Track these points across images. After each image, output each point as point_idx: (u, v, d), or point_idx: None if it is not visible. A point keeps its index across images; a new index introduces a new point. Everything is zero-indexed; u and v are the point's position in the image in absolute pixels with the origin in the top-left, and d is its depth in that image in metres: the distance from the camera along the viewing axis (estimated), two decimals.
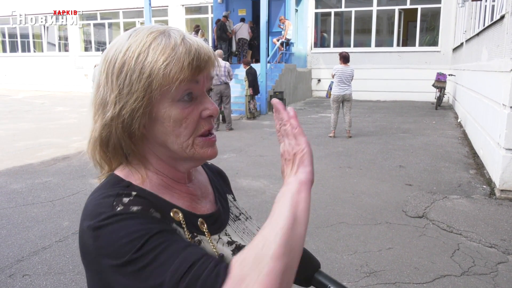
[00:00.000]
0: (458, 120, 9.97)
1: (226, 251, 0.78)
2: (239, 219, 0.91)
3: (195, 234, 0.76)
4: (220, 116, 9.74)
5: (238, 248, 0.80)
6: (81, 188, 5.04)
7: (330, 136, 8.22)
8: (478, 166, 5.94)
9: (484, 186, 5.03)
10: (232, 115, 9.69)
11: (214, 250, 0.76)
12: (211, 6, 16.80)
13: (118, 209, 0.67)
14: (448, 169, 5.80)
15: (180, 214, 0.75)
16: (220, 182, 0.97)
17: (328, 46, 16.79)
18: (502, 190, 4.65)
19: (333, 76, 8.15)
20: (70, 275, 2.99)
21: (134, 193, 0.71)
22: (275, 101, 0.72)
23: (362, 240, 3.58)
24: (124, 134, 0.72)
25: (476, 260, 3.21)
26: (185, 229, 0.74)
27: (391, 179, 5.35)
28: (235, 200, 0.97)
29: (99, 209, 0.68)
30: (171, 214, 0.74)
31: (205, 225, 0.79)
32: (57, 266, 3.13)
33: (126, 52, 0.70)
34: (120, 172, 0.77)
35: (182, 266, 0.62)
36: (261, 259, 0.56)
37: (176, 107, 0.72)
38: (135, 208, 0.68)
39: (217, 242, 0.79)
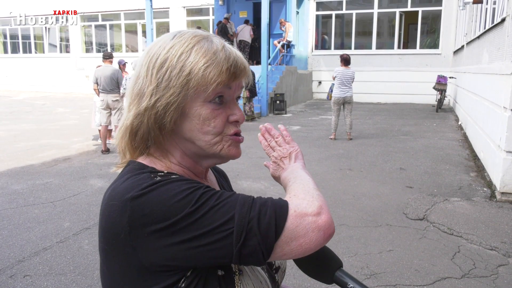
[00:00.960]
0: (459, 123, 9.97)
1: None
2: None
3: None
4: None
5: None
6: (82, 189, 5.05)
7: (331, 138, 8.22)
8: (479, 168, 5.94)
9: (484, 189, 5.03)
10: None
11: None
12: (212, 8, 16.83)
13: (158, 179, 0.71)
14: (448, 172, 5.80)
15: None
16: (225, 183, 1.04)
17: (329, 48, 16.81)
18: (502, 193, 4.65)
19: (333, 78, 8.16)
20: (71, 275, 3.00)
21: (161, 174, 0.75)
22: (264, 125, 0.93)
23: (363, 242, 3.58)
24: (155, 125, 0.76)
25: (477, 262, 3.21)
26: None
27: (392, 182, 5.35)
28: None
29: (136, 183, 0.70)
30: None
31: None
32: (58, 267, 3.13)
33: (170, 50, 0.75)
34: (143, 160, 0.80)
35: (246, 201, 0.69)
36: (308, 190, 0.75)
37: (207, 107, 0.76)
38: (173, 176, 0.73)
39: None
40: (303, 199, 0.71)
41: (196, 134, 0.77)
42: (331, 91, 8.43)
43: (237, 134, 0.82)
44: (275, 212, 0.68)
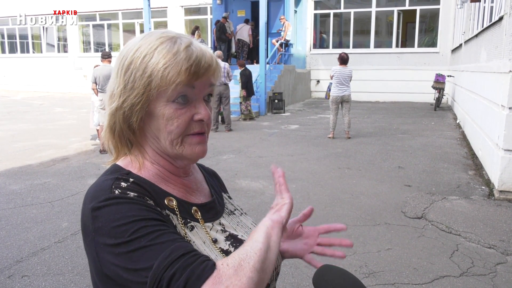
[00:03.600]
0: (457, 121, 9.99)
1: (220, 237, 0.84)
2: (234, 214, 0.96)
3: (188, 220, 0.81)
4: (219, 117, 9.74)
5: (231, 236, 0.86)
6: (80, 189, 5.04)
7: (329, 137, 8.23)
8: (477, 167, 5.95)
9: (483, 187, 5.04)
10: (231, 116, 9.69)
11: (207, 235, 0.82)
12: (210, 7, 16.81)
13: (116, 192, 0.72)
14: (447, 170, 5.80)
15: (174, 202, 0.81)
16: (215, 182, 1.03)
17: (327, 47, 16.81)
18: (501, 191, 4.66)
19: (331, 78, 8.17)
20: (69, 276, 2.99)
21: (131, 179, 0.77)
22: (277, 170, 0.86)
23: (361, 241, 3.58)
24: (125, 124, 0.80)
25: (475, 260, 3.22)
26: (178, 216, 0.79)
27: (390, 180, 5.36)
28: (230, 198, 1.03)
29: (98, 192, 0.73)
30: (166, 201, 0.80)
31: (199, 213, 0.85)
32: (56, 267, 3.12)
33: (136, 52, 0.78)
34: (121, 161, 0.85)
35: (173, 254, 0.65)
36: (243, 267, 0.64)
37: (170, 107, 0.77)
38: (131, 194, 0.73)
39: (210, 229, 0.84)
40: (230, 277, 0.62)
41: (162, 133, 0.79)
42: (329, 90, 8.45)
43: (201, 133, 0.82)
44: (187, 281, 0.62)
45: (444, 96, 13.24)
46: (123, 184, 0.75)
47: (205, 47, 0.81)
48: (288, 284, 2.84)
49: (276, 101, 12.43)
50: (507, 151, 4.65)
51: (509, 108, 4.60)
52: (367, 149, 7.22)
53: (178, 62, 0.75)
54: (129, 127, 0.80)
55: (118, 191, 0.73)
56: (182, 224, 0.79)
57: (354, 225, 3.93)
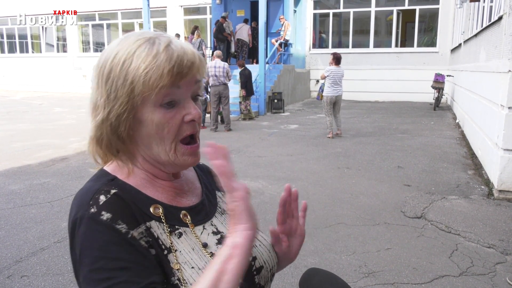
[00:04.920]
0: (456, 121, 9.99)
1: (211, 240, 0.83)
2: (227, 213, 0.90)
3: (176, 227, 0.79)
4: (219, 116, 9.74)
5: (223, 238, 0.83)
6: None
7: (329, 137, 8.25)
8: (476, 166, 5.95)
9: (482, 187, 5.04)
10: (230, 115, 9.69)
11: (197, 239, 0.80)
12: (210, 7, 16.81)
13: (92, 210, 0.71)
14: (446, 170, 5.81)
15: (160, 209, 0.79)
16: (209, 179, 1.00)
17: (327, 47, 16.81)
18: (500, 191, 4.66)
19: (323, 78, 8.25)
20: (69, 276, 2.99)
21: (113, 191, 0.75)
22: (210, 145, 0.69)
23: (361, 241, 3.58)
24: (113, 136, 0.77)
25: (475, 260, 3.22)
26: (164, 224, 0.78)
27: (390, 180, 5.36)
28: (224, 196, 0.98)
29: (80, 202, 0.74)
30: (151, 209, 0.78)
31: (189, 217, 0.83)
32: (55, 267, 3.12)
33: (114, 59, 0.74)
34: (108, 166, 0.82)
35: None
36: None
37: (158, 112, 0.74)
38: (105, 216, 0.71)
39: (201, 233, 0.83)
40: None
41: (153, 140, 0.77)
42: (322, 90, 8.49)
43: (193, 136, 0.80)
44: None
45: (443, 96, 13.24)
46: (102, 199, 0.73)
47: (186, 44, 0.77)
48: (287, 284, 2.84)
49: (275, 100, 12.44)
50: (506, 151, 4.66)
51: (509, 107, 4.60)
52: (366, 149, 7.22)
53: (159, 65, 0.71)
54: (118, 138, 0.77)
55: (94, 209, 0.71)
56: (168, 233, 0.77)
57: (354, 224, 3.93)
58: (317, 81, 16.61)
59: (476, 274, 3.02)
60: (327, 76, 8.09)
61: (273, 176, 5.55)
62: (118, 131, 0.76)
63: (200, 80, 0.80)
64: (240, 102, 10.76)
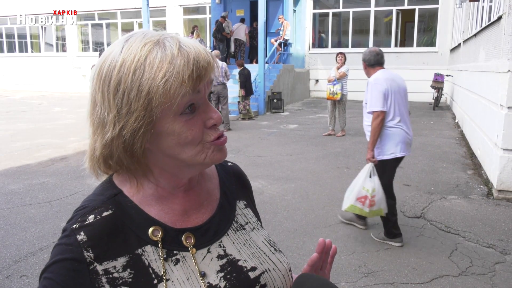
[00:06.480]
0: (456, 121, 9.99)
1: (212, 267, 0.75)
2: (244, 229, 0.83)
3: (174, 252, 0.73)
4: None
5: (229, 263, 0.76)
6: (79, 188, 5.03)
7: (338, 135, 8.52)
8: (476, 166, 5.95)
9: (481, 187, 5.04)
10: (230, 115, 9.69)
11: (195, 267, 0.73)
12: (209, 6, 16.80)
13: (73, 226, 0.69)
14: (445, 170, 5.81)
15: (160, 232, 0.73)
16: (232, 186, 0.90)
17: (326, 46, 16.81)
18: (499, 191, 4.67)
19: (342, 77, 8.31)
20: None
21: (106, 213, 0.71)
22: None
23: (360, 241, 3.59)
24: (126, 153, 0.69)
25: (474, 260, 3.22)
26: (160, 249, 0.72)
27: None
28: (246, 207, 0.89)
29: (74, 214, 0.72)
30: (150, 231, 0.72)
31: (193, 239, 0.75)
32: None
33: (121, 68, 0.65)
34: (117, 177, 0.76)
35: None
36: None
37: (179, 121, 0.68)
38: (79, 238, 0.68)
39: (203, 258, 0.75)
40: None
41: (176, 149, 0.70)
42: (341, 89, 8.40)
43: (219, 136, 0.73)
44: None
45: (443, 96, 13.25)
46: (89, 219, 0.69)
47: (193, 42, 0.70)
48: None
49: (275, 100, 12.44)
50: (505, 151, 4.66)
51: (508, 107, 4.61)
52: (366, 149, 7.21)
53: (178, 71, 0.64)
54: (131, 155, 0.69)
55: (76, 226, 0.69)
56: (162, 260, 0.71)
57: (353, 224, 3.93)
58: (317, 81, 16.61)
59: (476, 274, 3.02)
60: (347, 74, 8.39)
61: (272, 175, 5.54)
62: (133, 148, 0.68)
63: (213, 80, 0.73)
64: (239, 102, 10.77)
